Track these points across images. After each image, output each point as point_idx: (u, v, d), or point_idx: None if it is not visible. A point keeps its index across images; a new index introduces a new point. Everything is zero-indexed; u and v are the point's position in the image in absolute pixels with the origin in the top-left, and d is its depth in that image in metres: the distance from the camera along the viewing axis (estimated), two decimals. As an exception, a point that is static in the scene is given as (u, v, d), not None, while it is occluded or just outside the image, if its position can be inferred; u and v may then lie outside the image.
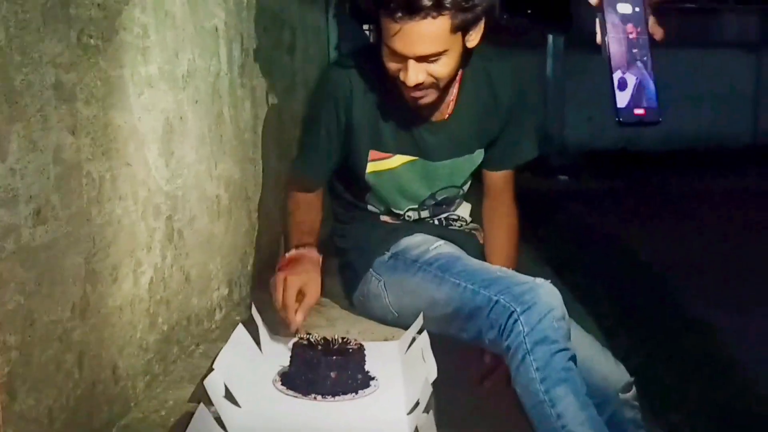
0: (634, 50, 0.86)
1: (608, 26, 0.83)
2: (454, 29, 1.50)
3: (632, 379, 1.70)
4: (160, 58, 1.35)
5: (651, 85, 0.89)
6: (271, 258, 2.07)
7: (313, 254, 1.63)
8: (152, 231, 1.31)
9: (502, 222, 1.78)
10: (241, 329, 1.46)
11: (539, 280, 1.49)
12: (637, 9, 0.86)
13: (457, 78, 1.65)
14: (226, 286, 1.71)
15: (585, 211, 6.55)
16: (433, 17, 1.46)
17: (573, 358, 1.43)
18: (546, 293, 1.46)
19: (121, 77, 1.20)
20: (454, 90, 1.66)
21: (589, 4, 0.85)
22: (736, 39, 10.14)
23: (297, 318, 1.50)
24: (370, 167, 1.71)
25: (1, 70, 0.90)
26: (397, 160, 1.70)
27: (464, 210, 1.86)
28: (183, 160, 1.46)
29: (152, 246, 1.31)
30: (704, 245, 5.15)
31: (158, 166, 1.34)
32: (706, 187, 7.79)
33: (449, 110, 1.68)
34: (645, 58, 0.89)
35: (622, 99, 0.84)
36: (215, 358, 1.31)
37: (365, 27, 3.25)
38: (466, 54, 1.59)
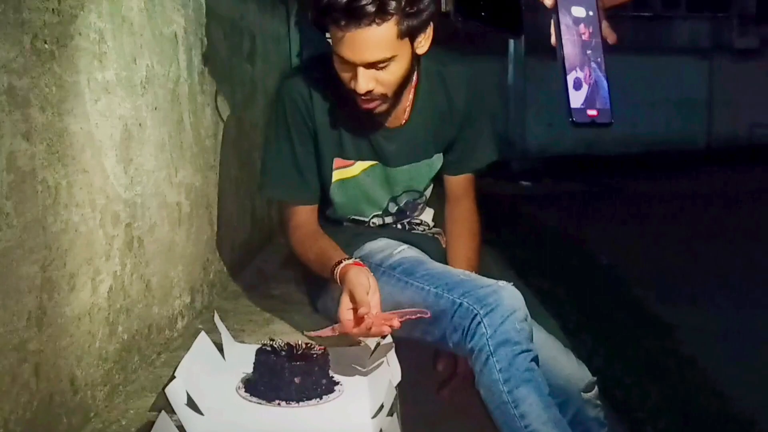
0: (588, 52, 0.87)
1: (562, 28, 0.85)
2: (401, 35, 1.49)
3: (594, 378, 1.72)
4: (117, 64, 1.34)
5: (604, 87, 0.91)
6: (232, 266, 2.06)
7: (354, 263, 1.54)
8: (111, 239, 1.29)
9: (464, 226, 1.80)
10: (203, 337, 1.45)
11: (502, 283, 1.50)
12: (590, 12, 0.87)
13: (412, 83, 1.66)
14: (188, 294, 1.69)
15: (546, 214, 6.64)
16: (378, 24, 1.45)
17: (535, 359, 1.45)
18: (508, 295, 1.47)
19: (77, 83, 1.19)
20: (409, 96, 1.67)
21: (544, 6, 0.86)
22: (689, 45, 10.39)
23: (394, 323, 1.43)
24: (336, 175, 1.71)
25: (-49, 76, 0.88)
26: (359, 167, 1.71)
27: (427, 215, 1.88)
28: (142, 167, 1.44)
29: (111, 254, 1.29)
30: (661, 246, 5.27)
31: (116, 173, 1.32)
32: (662, 190, 7.97)
33: (405, 116, 1.69)
34: (599, 60, 0.90)
35: (576, 99, 0.86)
36: (177, 366, 1.29)
37: (327, 35, 3.25)
38: (416, 60, 1.59)
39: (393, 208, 1.78)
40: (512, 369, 1.41)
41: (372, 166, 1.71)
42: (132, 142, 1.39)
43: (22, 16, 1.03)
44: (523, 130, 9.83)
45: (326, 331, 1.48)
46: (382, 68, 1.51)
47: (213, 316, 1.56)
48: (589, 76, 0.90)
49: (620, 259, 4.81)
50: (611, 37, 0.88)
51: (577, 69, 0.89)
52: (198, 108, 1.82)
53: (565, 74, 0.86)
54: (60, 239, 1.11)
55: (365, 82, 1.51)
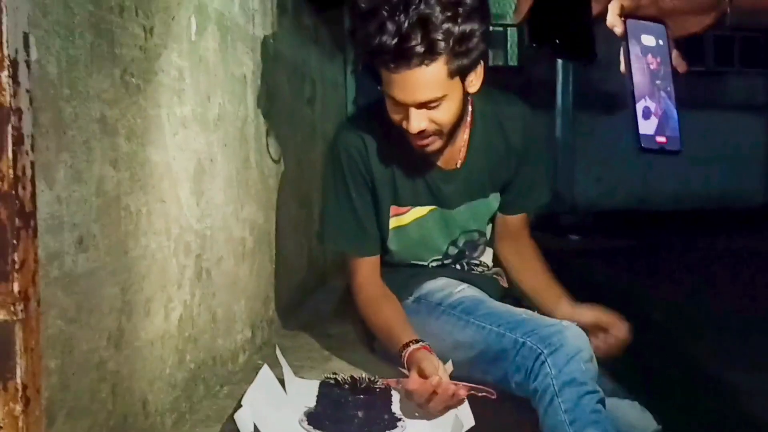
0: (657, 81, 0.88)
1: (632, 57, 0.86)
2: (451, 74, 1.50)
3: (660, 427, 1.68)
4: (193, 101, 1.39)
5: (674, 115, 0.91)
6: (290, 304, 2.08)
7: (422, 349, 1.49)
8: (183, 268, 1.33)
9: (531, 254, 1.82)
10: (266, 370, 1.46)
11: (565, 323, 1.49)
12: (660, 42, 0.88)
13: (467, 123, 1.67)
14: (249, 329, 1.71)
15: (595, 269, 6.54)
16: (427, 64, 1.46)
17: (602, 401, 1.42)
18: (573, 335, 1.46)
19: (159, 116, 1.24)
20: (464, 136, 1.68)
21: (614, 33, 0.88)
22: (744, 101, 10.28)
23: (461, 391, 1.39)
24: (392, 223, 1.72)
25: (52, 102, 0.93)
26: (416, 212, 1.72)
27: (487, 256, 1.87)
28: (212, 201, 1.48)
29: (182, 283, 1.33)
30: (715, 305, 5.13)
31: (190, 204, 1.36)
32: (716, 247, 7.80)
33: (462, 157, 1.70)
34: (668, 89, 0.91)
35: (645, 126, 0.87)
36: (240, 398, 1.30)
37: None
38: (468, 99, 1.61)
39: (453, 251, 1.79)
40: (578, 410, 1.38)
41: (431, 211, 1.72)
42: (204, 176, 1.44)
43: (114, 51, 1.09)
44: (572, 184, 9.78)
45: (392, 382, 1.44)
46: (433, 107, 1.53)
47: (274, 350, 1.57)
48: (659, 104, 0.91)
49: (672, 316, 4.70)
50: (681, 66, 0.89)
51: (647, 98, 0.90)
52: (262, 147, 1.87)
53: (634, 102, 0.87)
54: (139, 264, 1.15)
55: (417, 121, 1.53)
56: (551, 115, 9.38)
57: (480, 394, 1.42)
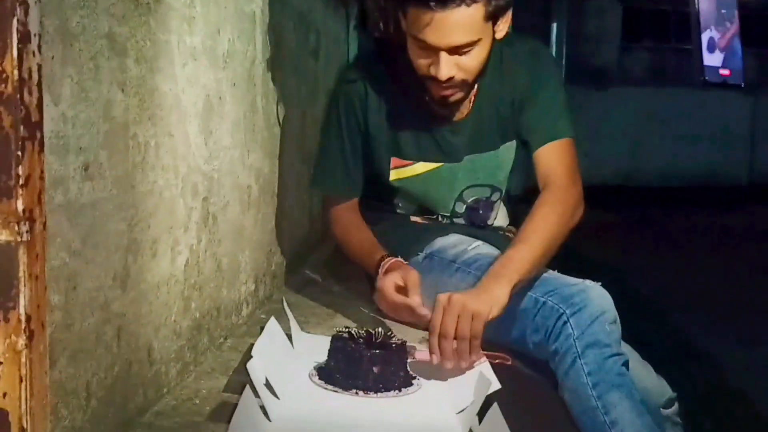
0: (723, 10, 0.79)
1: None
2: (487, 17, 1.42)
3: (675, 394, 1.63)
4: (203, 32, 1.29)
5: (738, 49, 0.82)
6: (292, 259, 1.99)
7: (399, 260, 1.59)
8: (190, 210, 1.24)
9: (537, 205, 1.50)
10: (273, 322, 1.38)
11: (589, 282, 1.42)
12: None
13: None
14: (252, 282, 1.63)
15: (583, 244, 6.52)
16: (467, 5, 1.39)
17: (626, 364, 1.36)
18: (597, 295, 1.39)
19: (168, 42, 1.14)
20: (475, 84, 1.59)
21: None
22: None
23: (415, 300, 1.45)
24: (393, 174, 1.65)
25: (58, 8, 0.83)
26: (421, 167, 1.65)
27: (502, 219, 1.78)
28: (220, 142, 1.38)
29: (189, 226, 1.24)
30: (700, 280, 5.12)
31: (198, 143, 1.27)
32: (702, 224, 7.80)
33: (469, 107, 1.61)
34: (733, 20, 0.82)
35: (710, 59, 0.78)
36: (250, 347, 1.22)
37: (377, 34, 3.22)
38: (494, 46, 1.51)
39: (461, 208, 1.70)
40: (602, 372, 1.32)
41: (437, 168, 1.64)
42: (213, 114, 1.34)
43: (124, -38, 0.98)
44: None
45: (422, 355, 1.35)
46: (465, 53, 1.44)
47: (278, 305, 1.50)
48: (723, 36, 0.82)
49: (658, 292, 4.68)
50: None
51: (712, 28, 0.81)
52: (269, 93, 1.77)
53: (699, 32, 0.78)
54: (146, 201, 1.06)
55: (447, 68, 1.44)
56: (564, 86, 9.29)
57: (495, 361, 1.35)
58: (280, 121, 1.88)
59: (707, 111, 9.68)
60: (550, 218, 1.46)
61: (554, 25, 9.73)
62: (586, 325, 1.35)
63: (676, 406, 1.63)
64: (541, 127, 1.57)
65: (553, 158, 1.54)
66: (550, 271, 1.49)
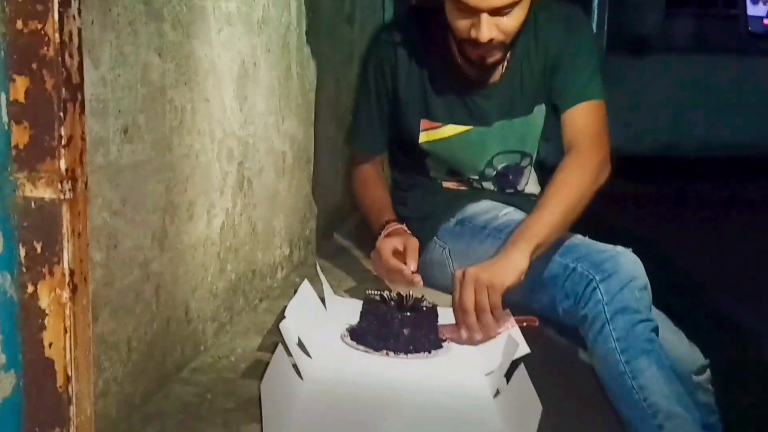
0: None
1: None
2: None
3: (707, 361, 1.63)
4: (238, -3, 1.30)
5: None
6: (327, 225, 2.02)
7: (402, 227, 1.61)
8: (225, 174, 1.27)
9: (562, 169, 1.48)
10: (306, 284, 1.41)
11: (620, 248, 1.42)
12: None
13: None
14: (287, 246, 1.66)
15: (620, 215, 6.44)
16: None
17: (655, 330, 1.36)
18: (627, 261, 1.39)
19: (204, 8, 1.16)
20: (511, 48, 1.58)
21: None
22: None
23: (411, 267, 1.47)
24: (423, 137, 1.65)
25: (97, -26, 0.85)
26: (450, 129, 1.64)
27: (533, 186, 1.78)
28: (255, 108, 1.41)
29: (224, 190, 1.26)
30: (741, 254, 5.03)
31: (233, 108, 1.29)
32: (743, 196, 7.64)
33: (501, 72, 1.60)
34: None
35: (754, 9, 0.77)
36: (284, 309, 1.26)
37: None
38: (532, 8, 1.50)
39: (490, 173, 1.70)
40: (631, 338, 1.33)
41: (467, 131, 1.64)
42: (247, 80, 1.36)
43: (160, -72, 1.00)
44: (599, 128, 9.57)
45: (450, 330, 1.38)
46: (505, 14, 1.43)
47: (312, 269, 1.53)
48: None
49: (699, 264, 4.62)
50: None
51: None
52: (304, 59, 1.78)
53: None
54: (183, 164, 1.09)
55: (488, 29, 1.44)
56: (598, 50, 9.10)
57: (523, 324, 1.36)
58: (315, 87, 1.90)
59: (753, 79, 9.41)
60: (572, 181, 1.46)
61: (595, -9, 9.51)
62: (615, 291, 1.35)
63: (708, 373, 1.62)
64: (571, 89, 1.55)
65: (581, 120, 1.53)
66: (581, 237, 1.49)
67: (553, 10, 1.61)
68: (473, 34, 1.45)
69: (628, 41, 10.09)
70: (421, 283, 1.46)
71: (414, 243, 1.53)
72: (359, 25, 2.51)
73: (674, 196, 7.84)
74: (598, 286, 1.36)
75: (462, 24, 1.47)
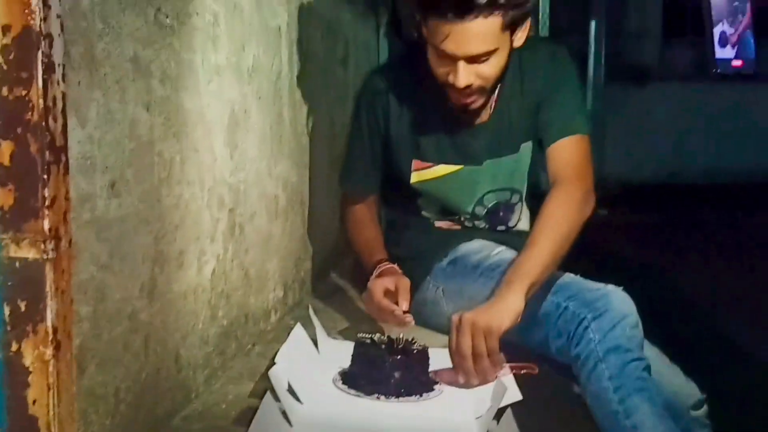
0: (735, 3, 0.81)
1: None
2: (505, 27, 1.44)
3: (704, 396, 1.62)
4: (228, 49, 1.34)
5: (750, 38, 0.84)
6: (323, 266, 2.04)
7: (394, 267, 1.63)
8: (216, 221, 1.28)
9: (549, 202, 1.49)
10: (299, 328, 1.42)
11: (611, 287, 1.42)
12: None
13: None
14: (281, 289, 1.67)
15: (624, 244, 6.43)
16: (485, 16, 1.41)
17: (648, 369, 1.36)
18: (619, 300, 1.39)
19: (193, 61, 1.19)
20: (495, 90, 1.61)
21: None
22: (781, 73, 9.99)
23: (402, 307, 1.49)
24: (415, 177, 1.68)
25: (84, 36, 0.88)
26: (441, 169, 1.67)
27: (524, 223, 1.80)
28: (246, 154, 1.43)
29: (215, 237, 1.28)
30: (747, 281, 5.01)
31: (223, 156, 1.32)
32: (749, 223, 7.63)
33: (489, 111, 1.63)
34: (745, 9, 0.83)
35: (722, 51, 0.79)
36: (276, 354, 1.27)
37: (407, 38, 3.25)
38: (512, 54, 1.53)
39: (481, 211, 1.72)
40: (623, 376, 1.33)
41: (457, 170, 1.66)
42: (238, 127, 1.39)
43: (148, -12, 1.03)
44: (601, 158, 9.62)
45: (447, 374, 1.39)
46: (482, 62, 1.47)
47: (306, 311, 1.54)
48: (736, 29, 0.83)
49: (702, 292, 4.60)
50: None
51: (724, 21, 0.82)
52: (296, 104, 1.81)
53: (711, 26, 0.79)
54: (172, 214, 1.11)
55: (465, 76, 1.47)
56: (582, 86, 9.19)
57: (522, 372, 1.37)
58: (309, 130, 1.93)
59: (754, 106, 9.46)
60: (558, 216, 1.47)
61: (593, 22, 9.61)
62: (607, 329, 1.35)
63: (705, 408, 1.62)
64: (555, 124, 1.58)
65: (565, 154, 1.56)
66: (572, 276, 1.50)
67: (538, 50, 1.64)
68: (451, 79, 1.48)
69: (627, 71, 10.19)
70: (413, 323, 1.47)
71: (405, 283, 1.55)
72: (354, 67, 2.56)
73: (679, 224, 7.84)
74: (589, 324, 1.37)
75: (441, 70, 1.50)
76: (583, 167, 1.56)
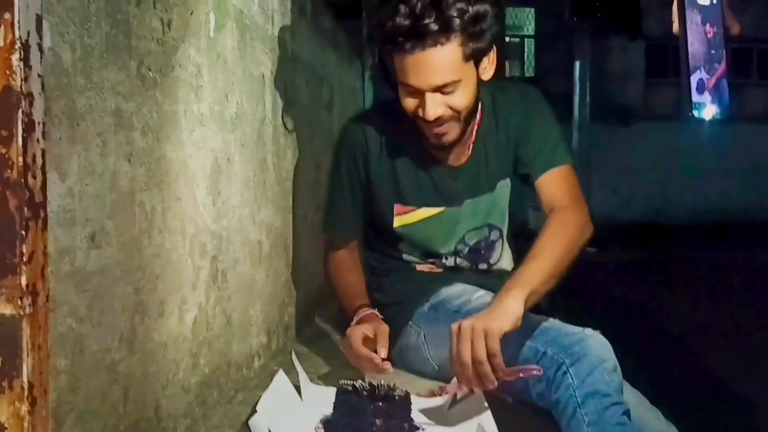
0: (713, 51, 0.84)
1: (690, 25, 0.81)
2: (466, 57, 1.47)
3: (685, 439, 1.62)
4: (211, 98, 1.36)
5: (725, 85, 0.87)
6: (307, 310, 2.04)
7: (374, 313, 1.63)
8: (198, 269, 1.29)
9: (548, 223, 1.51)
10: (281, 375, 1.42)
11: (588, 331, 1.44)
12: (714, 1, 0.84)
13: (476, 120, 1.64)
14: (264, 335, 1.67)
15: (612, 282, 6.46)
16: (442, 44, 1.43)
17: (627, 413, 1.37)
18: (596, 344, 1.41)
19: (175, 112, 1.21)
20: (473, 132, 1.64)
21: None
22: (762, 113, 10.17)
23: (381, 354, 1.49)
24: (397, 221, 1.70)
25: (65, 92, 0.90)
26: (423, 212, 1.69)
27: (506, 261, 1.82)
28: (229, 202, 1.45)
29: (197, 285, 1.29)
30: (735, 319, 5.03)
31: (206, 204, 1.33)
32: (735, 261, 7.68)
33: (468, 153, 1.67)
34: (721, 57, 0.86)
35: (699, 97, 0.82)
36: (257, 402, 1.26)
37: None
38: (481, 87, 1.56)
39: (463, 249, 1.74)
40: (602, 422, 1.33)
41: (438, 213, 1.68)
42: (221, 175, 1.41)
43: (130, 42, 1.06)
44: (588, 196, 9.69)
45: (452, 387, 1.40)
46: (449, 93, 1.49)
47: (290, 356, 1.54)
48: (713, 76, 0.86)
49: (689, 330, 4.62)
50: (735, 28, 0.84)
51: (701, 69, 0.85)
52: (280, 150, 1.84)
53: (688, 74, 0.82)
54: (153, 263, 1.11)
55: (433, 107, 1.49)
56: (567, 127, 9.32)
57: (523, 375, 1.36)
58: (293, 174, 1.95)
59: (737, 145, 9.60)
60: (560, 235, 1.48)
61: (577, 63, 9.78)
62: (585, 374, 1.36)
63: (687, 452, 1.62)
64: (540, 157, 1.61)
65: (555, 185, 1.59)
66: (552, 320, 1.51)
67: (508, 90, 1.70)
68: (421, 113, 1.51)
69: (611, 111, 10.35)
70: (391, 370, 1.47)
71: (384, 330, 1.55)
72: (339, 110, 2.59)
73: (665, 262, 7.88)
74: (568, 369, 1.38)
75: (410, 103, 1.53)
76: (578, 195, 1.60)
